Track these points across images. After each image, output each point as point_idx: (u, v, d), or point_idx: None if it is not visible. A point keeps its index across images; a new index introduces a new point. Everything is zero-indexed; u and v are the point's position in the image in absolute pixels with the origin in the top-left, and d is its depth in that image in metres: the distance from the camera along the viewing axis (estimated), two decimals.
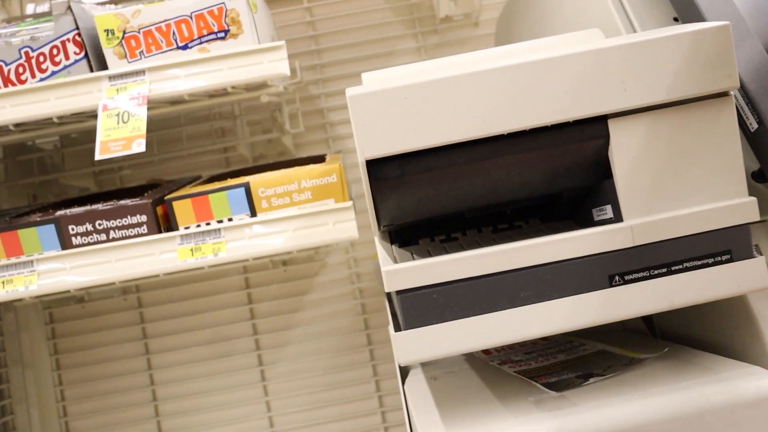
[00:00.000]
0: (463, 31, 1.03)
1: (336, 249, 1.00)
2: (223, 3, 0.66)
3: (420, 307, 0.41)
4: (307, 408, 1.00)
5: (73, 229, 0.64)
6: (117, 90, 0.66)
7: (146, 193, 0.72)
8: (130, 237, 0.65)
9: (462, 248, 0.45)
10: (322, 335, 1.00)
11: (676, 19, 0.54)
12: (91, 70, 0.68)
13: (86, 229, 0.64)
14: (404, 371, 0.64)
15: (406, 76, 0.43)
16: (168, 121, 0.98)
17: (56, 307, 1.00)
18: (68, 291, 0.65)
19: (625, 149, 0.42)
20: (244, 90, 0.75)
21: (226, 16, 0.66)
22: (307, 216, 0.65)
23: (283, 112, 0.94)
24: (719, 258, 0.42)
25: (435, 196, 0.43)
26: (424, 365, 0.66)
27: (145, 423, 1.00)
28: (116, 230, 0.65)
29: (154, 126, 0.97)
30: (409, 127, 0.40)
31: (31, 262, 0.65)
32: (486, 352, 0.63)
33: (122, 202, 0.66)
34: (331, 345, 1.00)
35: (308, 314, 1.00)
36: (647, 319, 0.64)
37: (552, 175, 0.43)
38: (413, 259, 0.44)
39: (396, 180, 0.41)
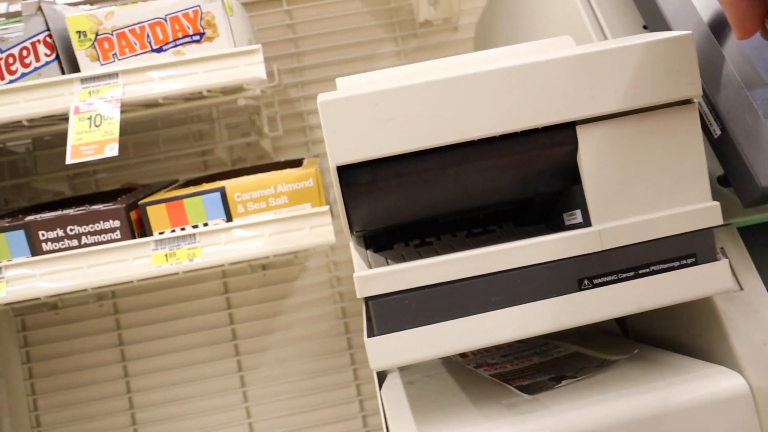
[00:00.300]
0: (443, 36, 1.04)
1: (315, 253, 1.00)
2: (199, 6, 0.66)
3: (392, 312, 0.41)
4: (288, 413, 0.99)
5: (43, 235, 0.63)
6: (89, 93, 0.65)
7: (120, 197, 0.71)
8: (103, 243, 0.64)
9: (436, 253, 0.45)
10: (303, 339, 1.00)
11: (645, 27, 0.55)
12: (63, 73, 0.67)
13: (57, 234, 0.63)
14: (382, 375, 0.65)
15: (380, 81, 0.43)
16: (144, 124, 0.97)
17: (29, 314, 0.98)
18: (38, 298, 0.64)
19: (593, 155, 0.42)
20: (220, 93, 0.75)
21: (201, 19, 0.66)
22: (284, 221, 0.65)
23: (262, 115, 0.94)
24: (684, 261, 0.43)
25: (407, 202, 0.43)
26: (402, 369, 0.66)
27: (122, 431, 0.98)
28: (89, 236, 0.64)
29: (130, 129, 0.95)
30: (380, 133, 0.40)
31: (0, 268, 0.64)
32: (462, 355, 0.63)
33: (95, 207, 0.65)
34: (311, 349, 1.00)
35: (288, 318, 1.00)
36: (621, 321, 0.65)
37: (522, 180, 0.44)
38: (387, 264, 0.44)
39: (367, 186, 0.41)
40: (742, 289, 0.48)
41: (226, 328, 0.99)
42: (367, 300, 0.42)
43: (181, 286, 0.98)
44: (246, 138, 0.98)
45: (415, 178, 0.42)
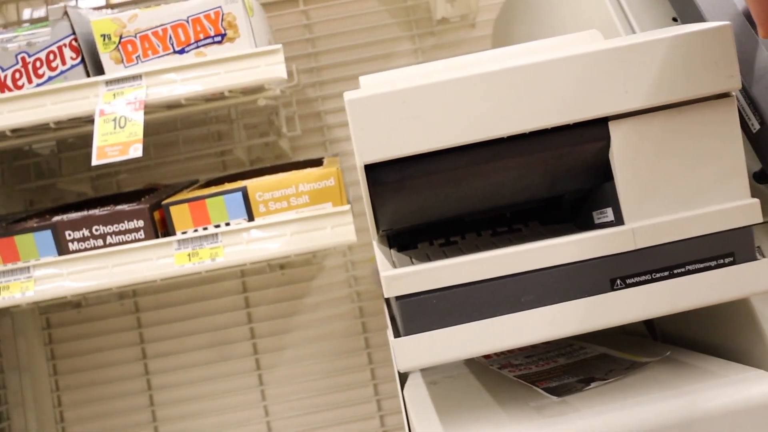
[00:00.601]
0: (460, 33, 1.03)
1: (333, 252, 0.99)
2: (220, 7, 0.66)
3: (420, 312, 0.40)
4: (305, 412, 0.99)
5: (69, 235, 0.64)
6: (114, 95, 0.65)
7: (143, 198, 0.71)
8: (127, 242, 0.65)
9: (461, 252, 0.44)
10: (320, 339, 1.00)
11: (675, 19, 0.54)
12: (88, 75, 0.68)
13: (83, 234, 0.64)
14: (403, 376, 0.64)
15: (404, 79, 0.43)
16: (165, 125, 0.98)
17: (53, 313, 0.99)
18: (65, 297, 0.64)
19: (626, 151, 0.41)
20: (241, 94, 0.75)
21: (222, 20, 0.66)
22: (305, 220, 0.65)
23: (280, 115, 0.94)
24: (722, 261, 0.41)
25: (435, 201, 0.42)
26: (423, 370, 0.66)
27: (143, 428, 0.99)
28: (113, 236, 0.64)
29: (150, 130, 0.96)
30: (408, 131, 0.40)
31: (28, 268, 0.64)
32: (486, 356, 0.63)
33: (119, 207, 0.65)
34: (328, 349, 1.00)
35: (306, 318, 1.00)
36: (648, 322, 0.64)
37: (552, 177, 0.43)
38: (412, 263, 0.44)
39: (395, 184, 0.41)
40: None
41: (244, 326, 1.00)
42: (393, 300, 0.41)
43: (200, 285, 0.99)
44: (264, 138, 0.98)
45: (443, 176, 0.41)
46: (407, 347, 0.40)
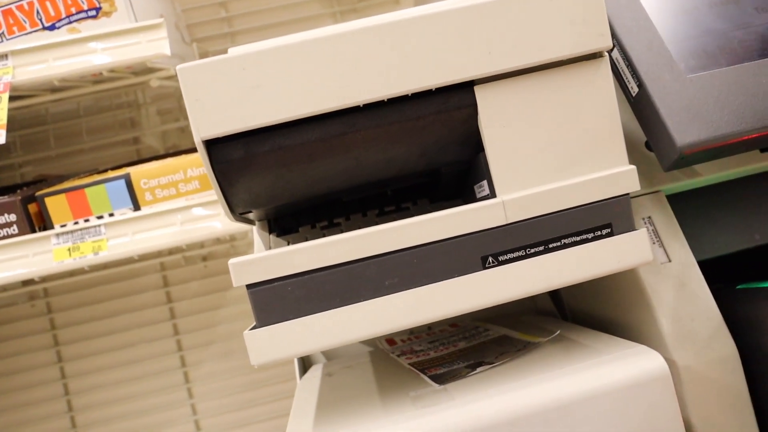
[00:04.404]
0: (384, 9, 0.99)
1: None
2: None
3: (274, 301, 0.37)
4: (235, 409, 0.95)
5: None
6: None
7: (20, 190, 0.65)
8: None
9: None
10: None
11: None
12: None
13: None
14: (306, 366, 0.61)
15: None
16: (65, 113, 0.91)
17: None
18: None
19: (495, 118, 0.38)
20: (131, 74, 0.69)
21: None
22: (195, 207, 0.60)
23: None
24: (599, 233, 0.39)
25: (290, 179, 0.39)
26: (329, 357, 0.63)
27: None
28: None
29: (50, 118, 0.89)
30: (250, 102, 0.36)
31: None
32: (390, 342, 0.60)
33: None
34: None
35: (232, 310, 0.96)
36: (558, 301, 0.62)
37: (420, 150, 0.40)
38: None
39: (240, 162, 0.37)
40: (670, 260, 0.45)
41: (167, 323, 0.95)
42: (246, 288, 0.37)
43: (117, 282, 0.93)
44: (177, 123, 0.92)
45: (295, 152, 0.37)
46: (261, 340, 0.37)
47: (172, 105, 0.94)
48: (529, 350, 0.46)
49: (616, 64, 0.42)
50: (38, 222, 0.61)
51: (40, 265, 0.59)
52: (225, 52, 1.02)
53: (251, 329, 0.37)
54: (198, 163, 0.61)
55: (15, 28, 0.60)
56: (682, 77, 0.41)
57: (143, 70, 0.68)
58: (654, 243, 0.45)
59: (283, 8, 0.97)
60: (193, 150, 0.71)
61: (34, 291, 0.92)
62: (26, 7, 0.60)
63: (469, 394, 0.39)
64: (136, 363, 0.94)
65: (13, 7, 0.60)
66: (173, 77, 0.73)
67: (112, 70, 0.63)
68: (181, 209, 0.60)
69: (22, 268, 0.59)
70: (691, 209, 0.48)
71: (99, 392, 0.94)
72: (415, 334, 0.60)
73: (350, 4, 0.98)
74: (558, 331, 0.48)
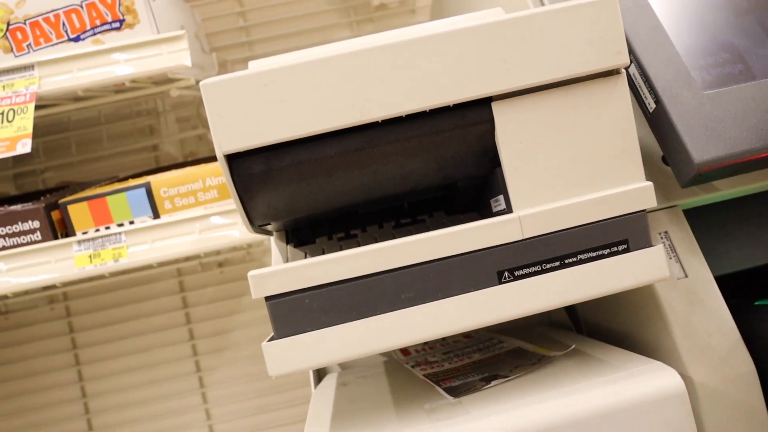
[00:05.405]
0: (400, 19, 1.00)
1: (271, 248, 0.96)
2: None
3: (292, 313, 0.37)
4: (249, 414, 0.96)
5: None
6: (3, 87, 0.61)
7: (44, 197, 0.67)
8: (22, 245, 0.61)
9: (359, 246, 0.41)
10: (262, 338, 0.97)
11: None
12: None
13: None
14: (321, 375, 0.61)
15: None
16: (87, 121, 0.93)
17: None
18: None
19: (512, 134, 0.39)
20: (152, 84, 0.71)
21: (120, 4, 0.62)
22: (214, 216, 0.61)
23: None
24: (615, 248, 0.39)
25: (309, 192, 0.39)
26: (342, 367, 0.63)
27: None
28: (7, 238, 0.60)
29: (72, 125, 0.91)
30: (271, 117, 0.36)
31: None
32: (405, 352, 0.60)
33: (12, 207, 0.61)
34: None
35: (247, 316, 0.97)
36: (573, 314, 0.62)
37: (437, 165, 0.40)
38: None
39: (261, 176, 0.38)
40: (686, 275, 0.45)
41: (182, 327, 0.96)
42: (265, 301, 0.38)
43: (134, 287, 0.95)
44: (195, 131, 0.94)
45: (315, 165, 0.38)
46: (278, 351, 0.37)
47: (191, 113, 0.95)
48: (543, 364, 0.46)
49: (634, 79, 0.43)
50: (61, 229, 0.63)
51: (62, 271, 0.60)
52: (244, 61, 1.04)
53: (269, 340, 0.38)
54: (217, 173, 0.62)
55: (41, 40, 0.62)
56: (699, 94, 0.41)
57: (164, 80, 0.69)
58: (670, 258, 0.45)
59: (300, 18, 0.98)
60: (212, 158, 0.72)
61: (53, 294, 0.94)
62: (52, 19, 0.62)
63: (484, 408, 0.39)
64: (152, 367, 0.95)
65: (39, 19, 0.62)
66: (192, 87, 0.75)
67: (134, 81, 0.64)
68: (199, 218, 0.61)
69: (44, 274, 0.60)
70: (708, 224, 0.48)
71: (115, 395, 0.95)
72: (430, 344, 0.61)
73: (366, 13, 0.99)
74: (573, 346, 0.48)
